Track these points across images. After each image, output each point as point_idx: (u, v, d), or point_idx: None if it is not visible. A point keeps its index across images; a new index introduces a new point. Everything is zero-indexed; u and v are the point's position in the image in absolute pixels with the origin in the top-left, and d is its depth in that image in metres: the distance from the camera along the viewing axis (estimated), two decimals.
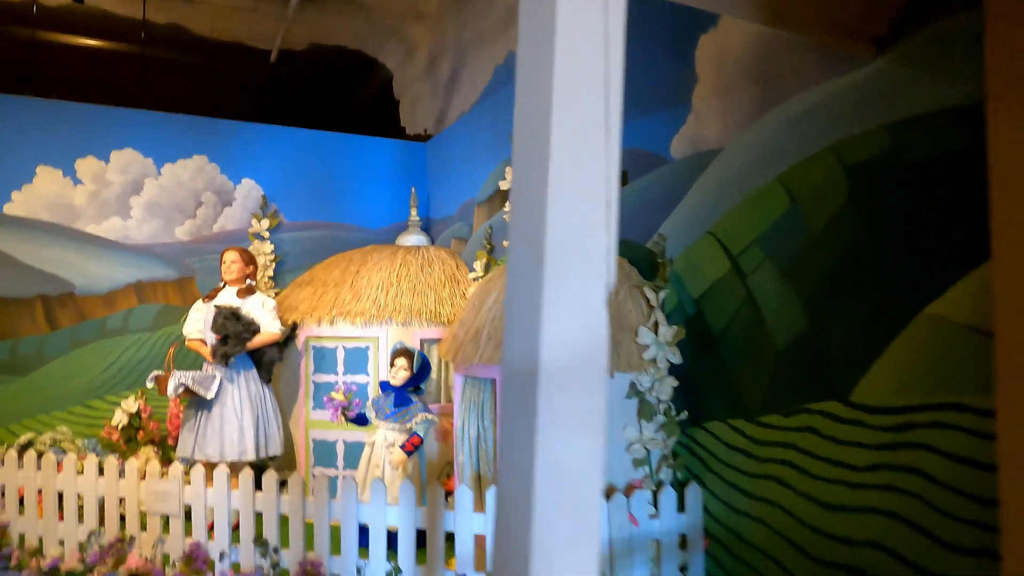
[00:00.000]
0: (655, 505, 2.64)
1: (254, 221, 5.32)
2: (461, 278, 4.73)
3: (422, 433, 3.59)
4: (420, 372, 3.71)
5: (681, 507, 2.67)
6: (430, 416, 3.64)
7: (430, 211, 5.81)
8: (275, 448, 4.12)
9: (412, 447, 3.54)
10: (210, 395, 3.89)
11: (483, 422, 3.16)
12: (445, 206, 5.52)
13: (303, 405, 4.43)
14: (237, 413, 3.96)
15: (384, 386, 3.76)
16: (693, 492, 2.68)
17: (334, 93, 7.68)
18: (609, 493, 2.63)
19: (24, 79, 6.24)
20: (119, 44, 6.46)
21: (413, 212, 5.13)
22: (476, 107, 5.13)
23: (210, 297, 4.17)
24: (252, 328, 4.00)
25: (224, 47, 6.70)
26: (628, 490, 2.70)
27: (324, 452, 4.40)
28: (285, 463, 4.53)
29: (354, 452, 4.24)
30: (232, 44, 6.68)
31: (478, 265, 4.61)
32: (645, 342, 2.71)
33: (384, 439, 3.63)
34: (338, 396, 3.74)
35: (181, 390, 3.83)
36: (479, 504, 2.94)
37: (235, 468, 3.96)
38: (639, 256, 3.06)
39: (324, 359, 4.40)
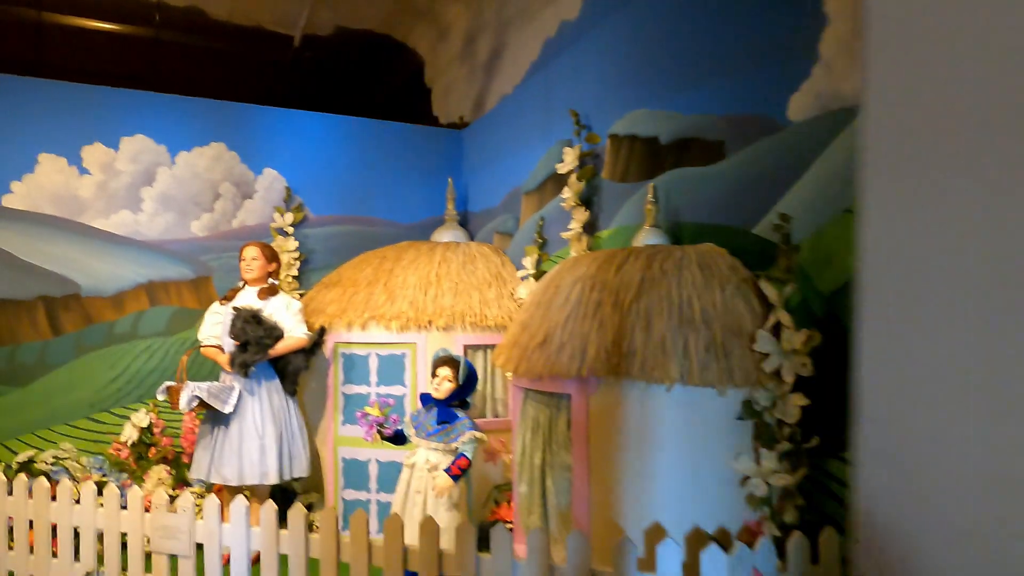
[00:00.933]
0: (781, 555, 2.10)
1: (277, 215, 4.92)
2: (508, 277, 4.22)
3: (470, 454, 3.09)
4: (466, 384, 3.23)
5: (814, 558, 2.13)
6: (478, 434, 3.14)
7: (467, 204, 5.32)
8: (300, 469, 3.71)
9: (459, 471, 3.05)
10: (228, 409, 3.50)
11: (551, 446, 2.63)
12: (486, 198, 5.01)
13: (331, 420, 3.98)
14: (258, 430, 3.57)
15: (425, 399, 3.28)
16: (830, 540, 2.13)
17: (361, 82, 7.25)
18: (724, 540, 2.08)
19: (28, 65, 5.85)
20: (131, 27, 6.11)
21: (450, 205, 4.65)
22: (521, 87, 4.63)
23: (228, 298, 3.79)
24: (275, 333, 3.60)
25: (244, 32, 6.32)
26: (745, 535, 2.15)
27: (355, 473, 3.94)
28: (311, 485, 4.09)
29: (389, 473, 3.78)
30: (252, 28, 6.30)
31: (527, 262, 4.10)
32: (765, 350, 2.17)
33: (425, 461, 3.14)
34: (373, 411, 3.24)
35: (195, 403, 3.44)
36: (558, 550, 2.40)
37: (256, 493, 3.50)
38: (744, 244, 2.52)
39: (355, 368, 3.95)
